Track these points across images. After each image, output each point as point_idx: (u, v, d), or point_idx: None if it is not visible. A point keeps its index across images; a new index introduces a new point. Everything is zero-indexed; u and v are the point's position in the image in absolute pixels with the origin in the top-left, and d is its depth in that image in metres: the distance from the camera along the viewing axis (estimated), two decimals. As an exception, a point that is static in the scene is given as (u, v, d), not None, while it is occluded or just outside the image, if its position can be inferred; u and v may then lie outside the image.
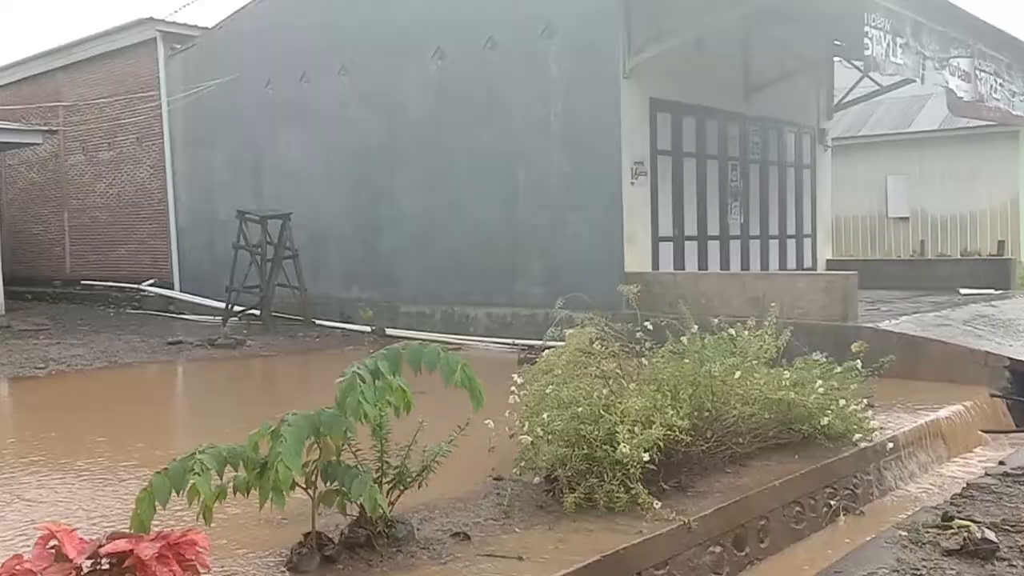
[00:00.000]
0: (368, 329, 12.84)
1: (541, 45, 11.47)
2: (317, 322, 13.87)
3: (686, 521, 4.36)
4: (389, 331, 12.67)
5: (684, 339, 5.57)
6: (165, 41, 16.90)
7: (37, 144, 17.46)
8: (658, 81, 11.32)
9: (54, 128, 17.74)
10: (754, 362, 5.59)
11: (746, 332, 5.91)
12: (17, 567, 2.99)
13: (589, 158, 11.23)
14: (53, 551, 2.99)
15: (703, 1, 10.77)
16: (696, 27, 10.96)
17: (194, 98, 16.31)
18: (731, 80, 13.12)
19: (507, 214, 12.09)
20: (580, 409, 4.59)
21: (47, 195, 20.58)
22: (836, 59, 15.35)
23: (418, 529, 4.16)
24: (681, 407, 4.83)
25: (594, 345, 5.12)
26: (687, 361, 5.32)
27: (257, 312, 14.09)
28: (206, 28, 16.76)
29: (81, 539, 3.01)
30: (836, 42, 14.11)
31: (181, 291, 16.87)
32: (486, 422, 4.70)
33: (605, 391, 4.81)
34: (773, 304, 6.32)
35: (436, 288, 12.94)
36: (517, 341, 11.11)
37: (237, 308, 14.25)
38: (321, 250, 14.50)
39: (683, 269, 12.03)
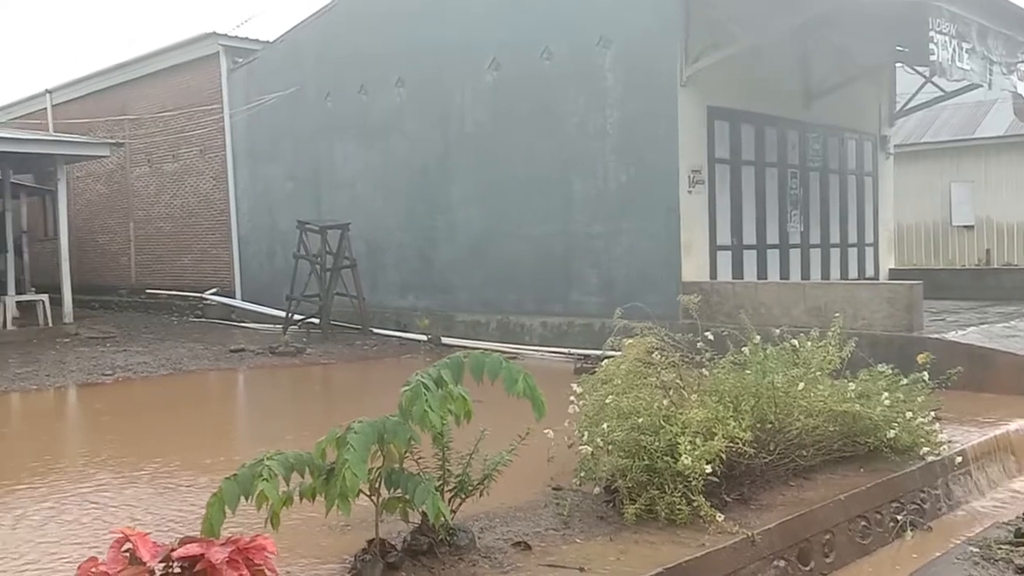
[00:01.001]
0: (424, 338, 12.93)
1: (597, 55, 11.47)
2: (374, 331, 14.02)
3: (749, 534, 4.30)
4: (445, 340, 12.74)
5: (745, 350, 5.50)
6: (228, 55, 17.31)
7: (105, 156, 17.97)
8: (716, 89, 11.23)
9: (121, 141, 18.24)
10: (817, 373, 5.50)
11: (809, 343, 5.81)
12: (92, 569, 3.08)
13: (645, 167, 11.18)
14: (127, 554, 3.07)
15: (763, 8, 10.67)
16: (755, 34, 10.84)
17: (255, 110, 16.66)
18: (790, 87, 12.96)
19: (562, 223, 12.09)
20: (640, 420, 4.56)
21: (113, 206, 21.18)
22: (898, 64, 15.05)
23: (479, 538, 4.17)
24: (743, 419, 4.77)
25: (654, 355, 5.08)
26: (748, 372, 5.26)
27: (316, 320, 14.31)
28: (267, 42, 17.12)
29: (154, 543, 3.08)
30: (899, 48, 13.83)
31: (242, 300, 17.20)
32: (545, 432, 4.71)
33: (665, 402, 4.78)
34: (836, 315, 6.21)
35: (491, 297, 12.99)
36: (573, 350, 11.09)
37: (297, 316, 14.47)
38: (378, 260, 14.67)
39: (741, 279, 11.90)
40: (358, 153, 15.04)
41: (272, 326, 15.29)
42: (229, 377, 11.07)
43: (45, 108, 22.33)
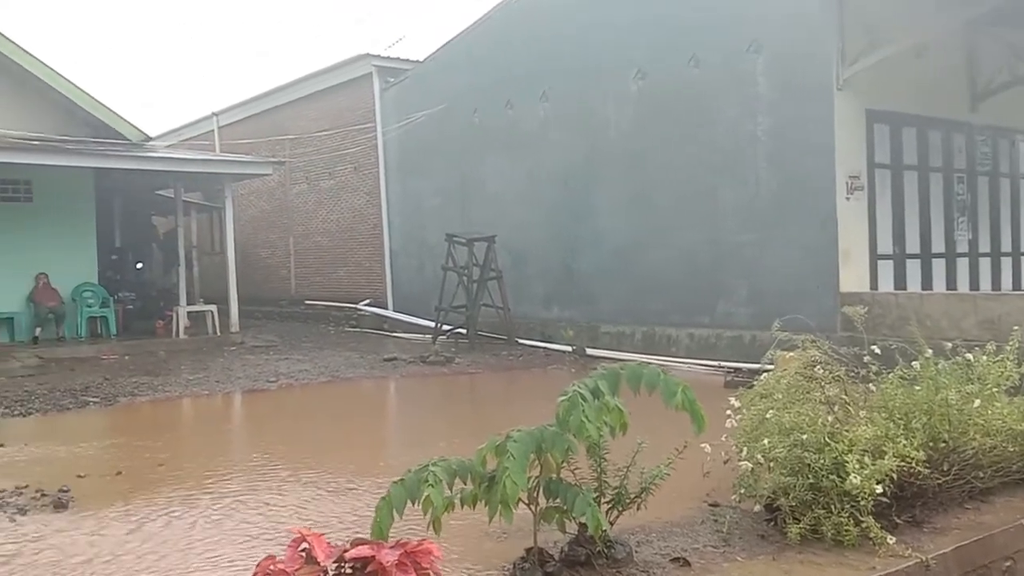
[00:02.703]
0: (569, 349, 12.96)
1: (748, 60, 11.22)
2: (519, 341, 14.18)
3: (923, 559, 4.07)
4: (589, 351, 12.73)
5: (915, 364, 5.21)
6: (380, 75, 17.99)
7: (267, 175, 19.02)
8: (875, 91, 10.74)
9: (282, 160, 19.27)
10: (994, 390, 5.15)
11: (984, 357, 5.45)
12: (271, 567, 3.25)
13: (800, 174, 10.82)
14: (304, 554, 3.22)
15: (926, 6, 10.14)
16: (916, 34, 10.32)
17: (406, 128, 17.23)
18: (955, 88, 12.25)
19: (710, 232, 11.86)
20: (804, 436, 4.40)
21: (274, 222, 22.36)
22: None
23: (636, 551, 4.13)
24: (914, 437, 4.53)
25: (816, 369, 4.90)
26: (919, 388, 4.99)
27: (463, 331, 14.61)
28: (418, 61, 17.68)
29: (328, 544, 3.22)
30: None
31: (394, 310, 17.78)
32: (702, 446, 4.62)
33: (830, 418, 4.60)
34: (1016, 328, 5.79)
35: (637, 308, 12.89)
36: (722, 363, 10.84)
37: (445, 327, 14.82)
38: (523, 271, 14.84)
39: (904, 289, 11.31)
40: (504, 166, 15.29)
41: (422, 336, 15.71)
42: (383, 385, 11.45)
43: (212, 130, 23.84)
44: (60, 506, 5.44)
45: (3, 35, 14.87)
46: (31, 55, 15.12)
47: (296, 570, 3.14)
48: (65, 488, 5.74)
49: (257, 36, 64.39)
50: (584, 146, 13.71)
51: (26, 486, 5.86)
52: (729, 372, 10.17)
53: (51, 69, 15.32)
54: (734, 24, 11.41)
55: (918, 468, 4.40)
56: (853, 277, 10.65)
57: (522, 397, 10.71)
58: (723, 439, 4.92)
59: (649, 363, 4.07)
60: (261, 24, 65.80)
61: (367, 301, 18.58)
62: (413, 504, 3.50)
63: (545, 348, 13.72)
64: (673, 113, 12.27)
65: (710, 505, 4.93)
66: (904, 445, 4.38)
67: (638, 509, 4.10)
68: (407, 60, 18.19)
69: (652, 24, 12.52)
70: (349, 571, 3.22)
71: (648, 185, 12.71)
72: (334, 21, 62.27)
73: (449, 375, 11.87)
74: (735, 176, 11.54)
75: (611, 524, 3.99)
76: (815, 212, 10.68)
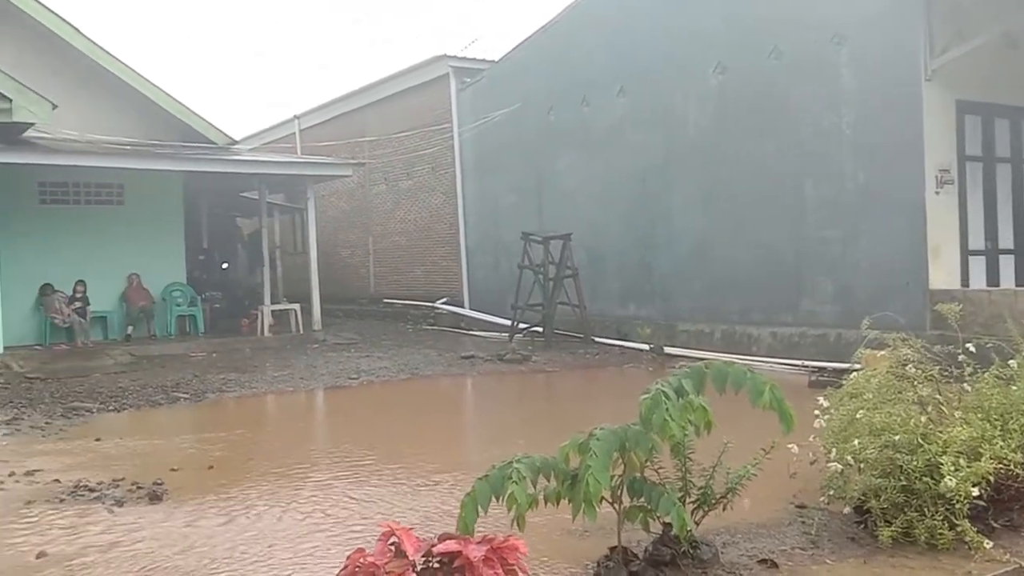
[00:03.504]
0: (646, 347, 12.86)
1: (831, 52, 10.95)
2: (596, 339, 14.14)
3: (1021, 564, 3.93)
4: (667, 349, 12.60)
5: (1013, 363, 5.02)
6: (457, 76, 18.14)
7: (347, 176, 19.38)
8: (965, 82, 10.36)
9: (362, 161, 19.62)
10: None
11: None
12: (361, 560, 3.31)
13: (886, 167, 10.51)
14: (393, 547, 3.28)
15: (1020, -10, 9.75)
16: (1008, 21, 9.92)
17: (482, 127, 17.33)
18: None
19: (792, 228, 11.62)
20: (896, 437, 4.28)
21: (353, 222, 22.77)
22: None
23: (722, 552, 4.09)
24: (1012, 438, 4.37)
25: (907, 368, 4.76)
26: (1016, 387, 4.81)
27: (540, 329, 14.64)
28: (493, 61, 17.78)
29: (417, 538, 3.27)
30: None
31: (470, 309, 17.92)
32: (789, 447, 4.54)
33: (923, 418, 4.46)
34: (1122, 326, 5.53)
35: (715, 306, 12.71)
36: (806, 362, 10.60)
37: (521, 325, 14.87)
38: (599, 269, 14.78)
39: (997, 286, 10.89)
40: (579, 164, 15.25)
41: (498, 334, 15.79)
42: (461, 382, 11.55)
43: (294, 133, 24.43)
44: (155, 498, 5.64)
45: (98, 46, 15.50)
46: (123, 63, 15.73)
47: (386, 563, 3.19)
48: (159, 481, 5.95)
49: (338, 39, 65.53)
50: (661, 142, 13.58)
51: (122, 479, 6.11)
52: (813, 371, 9.95)
53: (143, 77, 15.91)
54: (817, 15, 11.15)
55: (1016, 471, 4.25)
56: (943, 274, 10.30)
57: (599, 395, 10.67)
58: (811, 439, 4.82)
59: (733, 362, 4.01)
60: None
61: (444, 299, 18.77)
62: (497, 500, 3.53)
63: (621, 346, 13.64)
64: (753, 107, 12.06)
65: (797, 507, 4.84)
66: (1001, 447, 4.24)
67: (724, 509, 4.05)
68: (483, 60, 18.31)
69: (732, 17, 12.33)
70: (436, 565, 3.25)
71: (727, 181, 12.52)
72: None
73: (526, 373, 11.90)
74: (819, 171, 11.28)
75: (696, 524, 3.95)
76: (903, 207, 10.37)
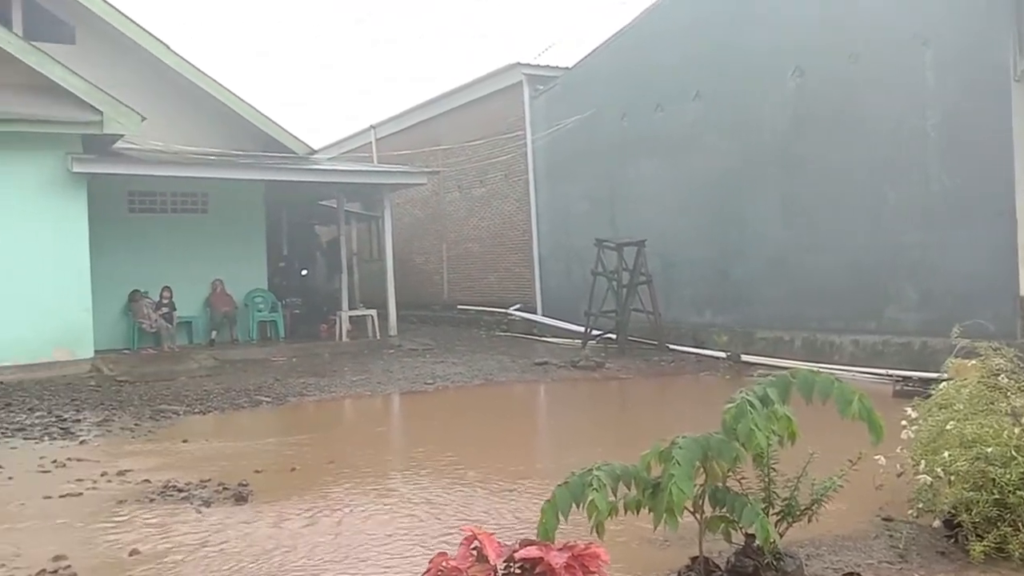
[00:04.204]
0: (723, 355, 12.67)
1: (914, 54, 10.65)
2: (671, 347, 13.99)
3: None
4: (744, 357, 12.40)
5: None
6: (530, 83, 18.20)
7: (422, 184, 19.63)
8: (1058, 80, 9.97)
9: (436, 170, 19.85)
10: None
11: None
12: (443, 564, 3.35)
13: (974, 170, 10.17)
14: (475, 552, 3.31)
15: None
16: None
17: (555, 135, 17.36)
18: None
19: (874, 234, 11.32)
20: (989, 449, 4.15)
21: (428, 229, 23.03)
22: None
23: (806, 565, 4.01)
24: (1113, 452, 4.19)
25: (1000, 378, 4.61)
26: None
27: (613, 336, 14.57)
28: (566, 68, 17.79)
29: (498, 543, 3.30)
30: None
31: (543, 315, 17.93)
32: (875, 458, 4.43)
33: (1017, 430, 4.31)
34: None
35: (794, 313, 12.46)
36: (890, 372, 10.32)
37: (595, 332, 14.82)
38: (673, 275, 14.64)
39: (1094, 293, 10.41)
40: (653, 170, 15.14)
41: (571, 341, 15.76)
42: (535, 389, 11.58)
43: (370, 142, 24.85)
44: (240, 499, 5.81)
45: (186, 60, 16.05)
46: (210, 77, 16.26)
47: (468, 567, 3.23)
48: (244, 482, 6.13)
49: (410, 50, 66.41)
50: (737, 147, 13.40)
51: (209, 479, 6.31)
52: (898, 381, 9.69)
53: (227, 89, 16.41)
54: (899, 17, 10.87)
55: (1118, 486, 4.06)
56: (1035, 280, 9.91)
57: (675, 403, 10.58)
58: (898, 451, 4.70)
59: (820, 371, 3.94)
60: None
61: (517, 306, 18.82)
62: (577, 507, 3.53)
63: (697, 354, 13.48)
64: (833, 111, 11.81)
65: (883, 519, 4.73)
66: (1101, 461, 4.06)
67: (809, 521, 3.98)
68: (556, 67, 18.33)
69: (811, 20, 12.10)
70: (518, 571, 3.28)
71: (806, 186, 12.28)
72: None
73: (600, 380, 11.86)
74: (900, 174, 10.98)
75: (780, 536, 3.89)
76: (991, 210, 10.01)
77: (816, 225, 12.12)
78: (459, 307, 21.05)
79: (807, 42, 12.12)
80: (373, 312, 16.97)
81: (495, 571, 3.26)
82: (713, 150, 13.81)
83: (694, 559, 3.86)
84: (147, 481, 6.36)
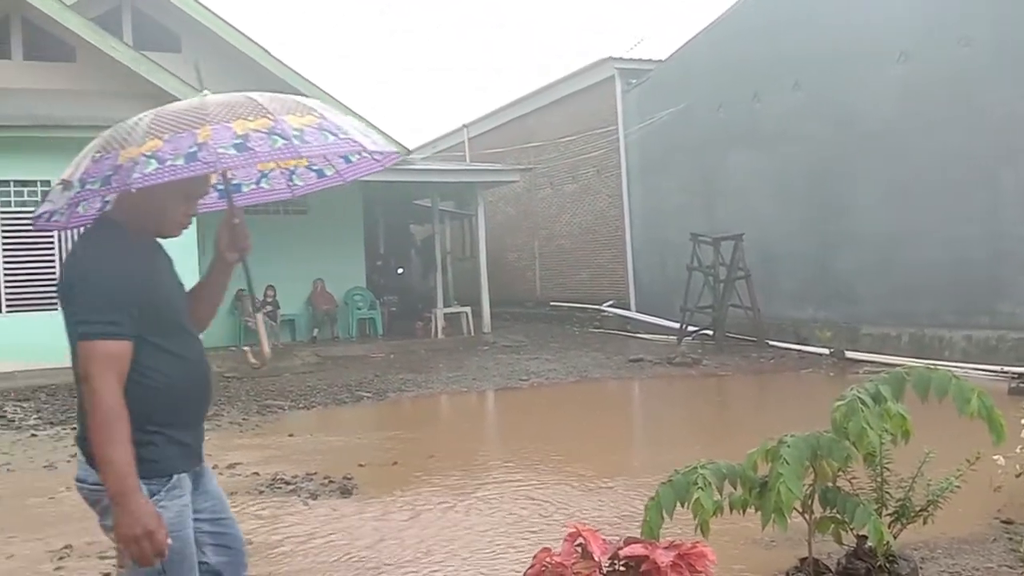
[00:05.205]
0: (826, 351, 12.33)
1: (1031, 33, 10.14)
2: (770, 343, 13.68)
3: None
4: (849, 354, 12.03)
5: None
6: (622, 77, 18.07)
7: (515, 182, 19.73)
8: None
9: (528, 167, 19.91)
10: None
11: None
12: (548, 560, 3.36)
13: (1098, 156, 9.64)
14: (579, 548, 3.31)
15: None
16: None
17: (648, 128, 17.19)
18: None
19: (988, 224, 10.83)
20: (1121, 451, 3.92)
21: (519, 226, 23.13)
22: None
23: (921, 567, 3.88)
24: None
25: None
26: None
27: (710, 332, 14.34)
28: (659, 61, 17.60)
29: (604, 540, 3.29)
30: None
31: (636, 311, 17.79)
32: (994, 458, 4.24)
33: None
34: None
35: (902, 308, 12.02)
36: (1005, 368, 9.86)
37: (691, 328, 14.62)
38: (772, 270, 14.30)
39: None
40: (750, 161, 14.84)
41: (666, 337, 15.58)
42: (630, 386, 11.50)
43: (463, 141, 25.10)
44: (346, 492, 5.96)
45: (286, 65, 16.53)
46: (311, 82, 16.67)
47: (573, 563, 3.23)
48: (349, 476, 6.29)
49: (503, 49, 66.73)
50: (839, 136, 13.00)
51: (315, 473, 6.49)
52: (1014, 378, 9.24)
53: (326, 92, 16.79)
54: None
55: None
56: None
57: (776, 401, 10.35)
58: (1017, 451, 4.49)
59: (936, 367, 3.79)
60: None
61: (610, 302, 18.72)
62: (682, 506, 3.49)
63: (799, 350, 13.14)
64: (940, 97, 11.34)
65: (1002, 522, 4.54)
66: None
67: (924, 523, 3.84)
68: (648, 61, 18.14)
69: (915, 4, 11.65)
70: (622, 568, 3.26)
71: (912, 175, 11.83)
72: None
73: (697, 377, 11.70)
74: (1017, 161, 10.47)
75: (894, 537, 3.76)
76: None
77: (924, 215, 11.67)
78: (551, 304, 21.06)
79: (912, 26, 11.68)
80: (467, 309, 17.16)
81: (600, 568, 3.26)
82: (813, 139, 13.44)
83: (803, 560, 3.77)
84: (256, 474, 6.58)
